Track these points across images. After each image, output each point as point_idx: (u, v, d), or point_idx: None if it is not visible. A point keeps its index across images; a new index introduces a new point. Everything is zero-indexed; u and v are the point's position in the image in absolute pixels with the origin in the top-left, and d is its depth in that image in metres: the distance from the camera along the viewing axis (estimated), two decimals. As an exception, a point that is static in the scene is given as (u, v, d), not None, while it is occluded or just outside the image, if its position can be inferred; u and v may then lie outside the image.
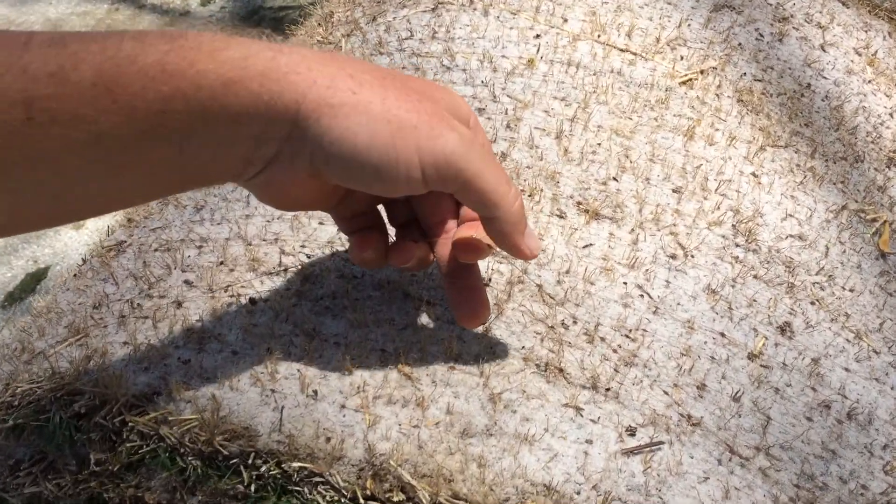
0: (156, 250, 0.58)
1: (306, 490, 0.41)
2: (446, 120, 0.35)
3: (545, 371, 0.46)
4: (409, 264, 0.42)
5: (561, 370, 0.47)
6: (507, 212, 0.38)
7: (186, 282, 0.54)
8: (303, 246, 0.54)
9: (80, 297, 0.58)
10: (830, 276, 0.57)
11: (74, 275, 0.64)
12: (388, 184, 0.36)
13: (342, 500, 0.40)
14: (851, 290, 0.57)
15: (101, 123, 0.30)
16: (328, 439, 0.42)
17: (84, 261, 0.68)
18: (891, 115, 0.74)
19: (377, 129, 0.34)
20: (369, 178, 0.36)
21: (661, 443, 0.44)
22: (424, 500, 0.39)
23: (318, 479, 0.41)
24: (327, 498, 0.40)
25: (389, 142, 0.34)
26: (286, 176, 0.36)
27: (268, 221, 0.57)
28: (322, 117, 0.34)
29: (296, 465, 0.42)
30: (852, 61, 0.78)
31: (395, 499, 0.39)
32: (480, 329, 0.48)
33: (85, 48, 0.30)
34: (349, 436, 0.42)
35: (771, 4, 0.79)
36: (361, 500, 0.40)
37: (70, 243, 1.82)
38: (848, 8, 0.84)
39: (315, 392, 0.45)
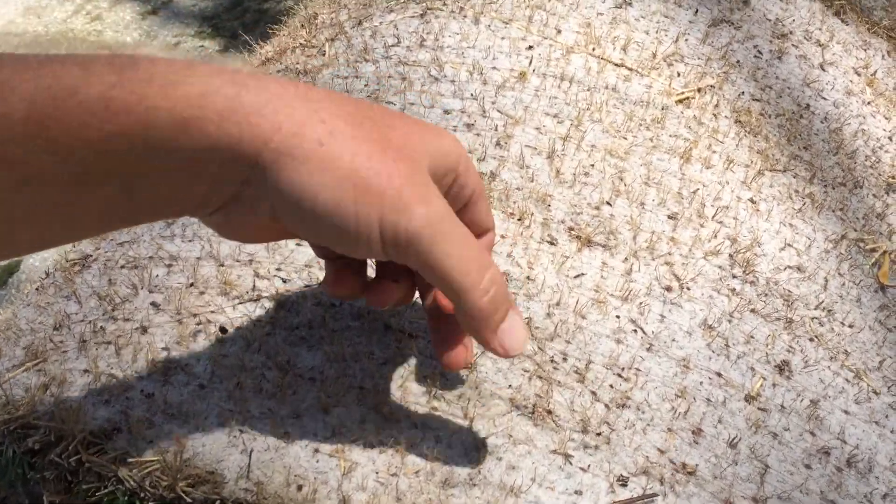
0: (122, 267, 0.55)
1: (274, 547, 0.38)
2: (420, 188, 0.31)
3: (533, 413, 0.44)
4: (385, 307, 0.39)
5: (549, 412, 0.44)
6: (474, 305, 0.33)
7: (153, 304, 0.50)
8: (278, 269, 0.51)
9: (40, 314, 0.54)
10: (829, 310, 0.55)
11: (37, 289, 0.60)
12: (346, 247, 0.33)
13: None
14: (851, 326, 0.55)
15: (31, 165, 0.27)
16: (300, 487, 0.39)
17: (47, 274, 0.65)
18: (890, 138, 0.72)
19: (340, 190, 0.30)
20: (328, 238, 0.33)
21: (655, 495, 0.41)
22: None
23: None
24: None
25: (351, 207, 0.30)
26: (245, 217, 0.33)
27: (242, 240, 0.53)
28: (283, 169, 0.30)
29: None
30: (851, 81, 0.76)
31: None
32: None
33: (17, 75, 0.26)
34: (322, 483, 0.40)
35: (770, 20, 0.77)
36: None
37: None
38: (847, 25, 0.82)
39: (287, 434, 0.42)
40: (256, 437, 0.41)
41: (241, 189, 0.31)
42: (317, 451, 0.41)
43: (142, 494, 0.40)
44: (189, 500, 0.39)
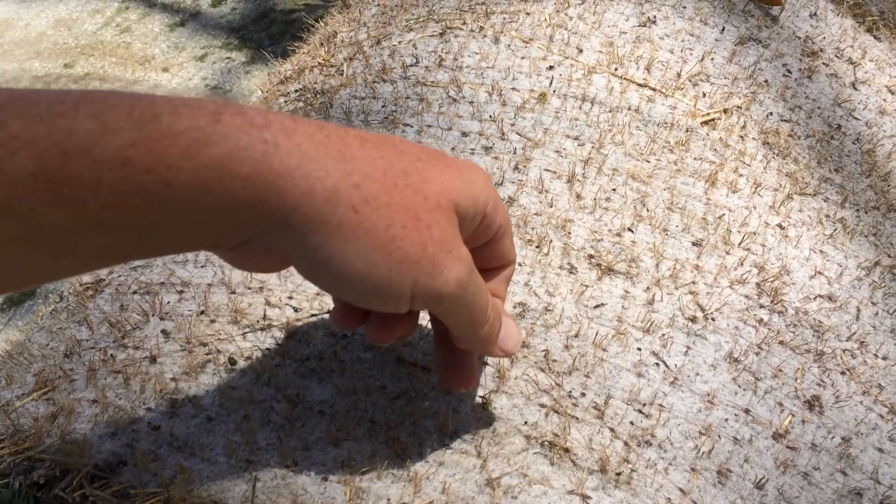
0: (134, 293, 0.54)
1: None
2: (454, 249, 0.32)
3: (550, 451, 0.42)
4: (385, 344, 0.38)
5: (567, 450, 0.42)
6: (482, 336, 0.36)
7: (164, 332, 0.50)
8: (290, 297, 0.50)
9: (52, 340, 0.54)
10: (862, 342, 0.53)
11: (50, 312, 0.60)
12: (370, 304, 0.33)
13: None
14: (885, 359, 0.53)
15: (40, 217, 0.25)
16: (306, 524, 0.38)
17: (61, 297, 0.65)
18: (925, 159, 0.70)
19: (374, 257, 0.30)
20: (351, 295, 0.32)
21: (677, 542, 0.39)
22: None
23: None
24: None
25: (384, 274, 0.30)
26: (257, 255, 0.32)
27: (255, 266, 0.53)
28: (313, 233, 0.29)
29: None
30: (885, 100, 0.73)
31: None
32: (479, 400, 0.44)
33: (27, 130, 0.25)
34: (330, 519, 0.38)
35: (799, 38, 0.75)
36: None
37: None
38: (880, 42, 0.79)
39: (295, 463, 0.41)
40: (263, 468, 0.40)
41: (257, 236, 0.30)
42: (325, 479, 0.39)
43: (145, 532, 0.39)
44: (192, 538, 0.38)
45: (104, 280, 0.57)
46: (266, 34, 2.54)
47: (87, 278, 0.59)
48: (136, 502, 0.40)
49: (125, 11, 2.66)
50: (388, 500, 0.39)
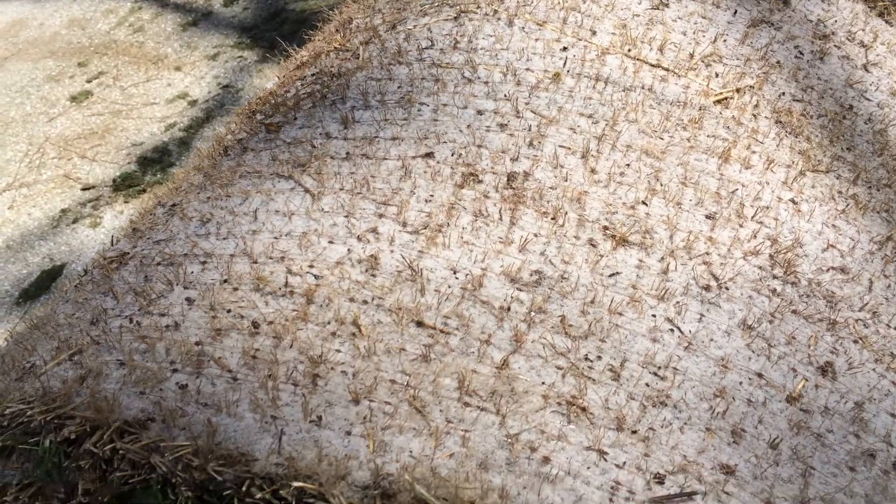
0: (158, 264, 0.55)
1: (304, 527, 0.38)
2: None
3: (567, 410, 0.43)
4: None
5: (584, 409, 0.43)
6: None
7: (188, 299, 0.51)
8: (311, 266, 0.51)
9: (78, 310, 0.55)
10: (875, 312, 0.53)
11: (75, 285, 0.61)
12: None
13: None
14: (897, 329, 0.53)
15: None
16: (331, 463, 0.39)
17: (85, 271, 0.66)
18: (937, 139, 0.70)
19: None
20: None
21: (695, 492, 0.40)
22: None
23: (319, 502, 0.38)
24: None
25: None
26: None
27: (275, 238, 0.54)
28: None
29: (296, 484, 0.38)
30: (896, 82, 0.74)
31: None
32: (498, 360, 0.45)
33: None
34: (354, 458, 0.39)
35: (811, 21, 0.75)
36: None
37: (87, 241, 1.80)
38: (891, 26, 0.80)
39: (319, 418, 0.42)
40: (288, 422, 0.41)
41: None
42: (348, 433, 0.40)
43: (174, 480, 0.40)
44: (220, 479, 0.39)
45: (128, 253, 0.58)
46: (278, 33, 2.56)
47: (111, 252, 0.60)
48: (166, 454, 0.41)
49: (138, 11, 2.68)
50: (411, 452, 0.40)
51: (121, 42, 2.58)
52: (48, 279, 1.82)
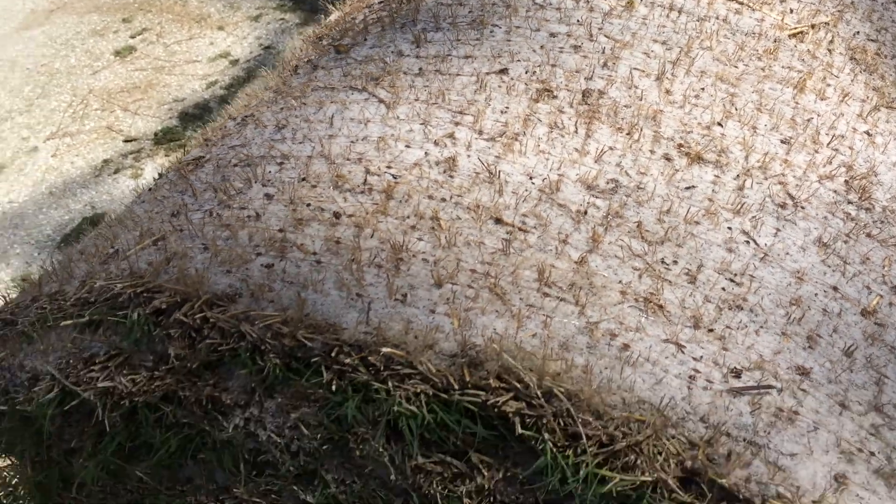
0: (235, 165, 0.56)
1: (391, 385, 0.38)
2: None
3: (644, 306, 0.43)
4: None
5: (661, 307, 0.44)
6: None
7: (267, 195, 0.52)
8: (388, 167, 0.52)
9: (156, 206, 0.56)
10: (948, 242, 0.53)
11: (150, 189, 0.62)
12: None
13: (429, 393, 0.38)
14: (970, 259, 0.53)
15: None
16: (417, 335, 0.40)
17: (160, 175, 0.67)
18: None
19: None
20: None
21: (772, 386, 0.40)
22: (532, 384, 0.36)
23: (406, 370, 0.39)
24: (411, 392, 0.38)
25: None
26: None
27: (352, 142, 0.55)
28: None
29: (385, 350, 0.39)
30: (970, 31, 0.73)
31: (494, 385, 0.37)
32: (575, 257, 0.45)
33: None
34: (440, 331, 0.40)
35: (887, -35, 0.74)
36: (456, 385, 0.37)
37: (127, 192, 1.82)
38: (966, -22, 0.79)
39: (404, 296, 0.43)
40: (373, 300, 0.42)
41: None
42: (433, 311, 0.41)
43: (262, 348, 0.41)
44: (309, 345, 0.40)
45: (204, 157, 0.60)
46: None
47: (187, 157, 0.61)
48: (256, 322, 0.42)
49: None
50: (494, 329, 0.40)
51: (164, 0, 2.60)
52: (89, 226, 1.85)
